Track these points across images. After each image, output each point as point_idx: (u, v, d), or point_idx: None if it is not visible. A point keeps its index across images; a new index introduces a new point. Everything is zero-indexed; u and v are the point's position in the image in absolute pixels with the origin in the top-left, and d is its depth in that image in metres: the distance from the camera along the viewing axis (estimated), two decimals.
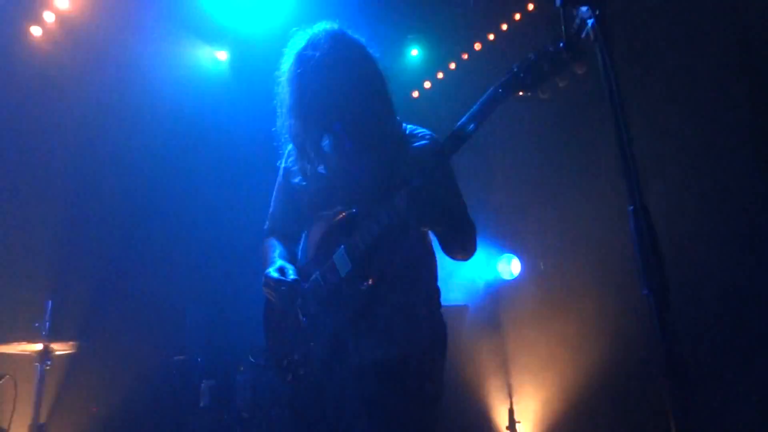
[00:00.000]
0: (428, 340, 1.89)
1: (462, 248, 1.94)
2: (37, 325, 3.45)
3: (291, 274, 1.95)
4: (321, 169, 2.01)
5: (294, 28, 2.06)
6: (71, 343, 3.54)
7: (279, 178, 2.20)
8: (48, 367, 3.46)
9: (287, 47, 2.04)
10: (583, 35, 1.31)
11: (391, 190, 1.78)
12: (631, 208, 1.16)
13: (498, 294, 5.05)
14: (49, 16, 4.31)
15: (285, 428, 3.28)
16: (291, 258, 2.09)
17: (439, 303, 2.00)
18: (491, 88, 1.65)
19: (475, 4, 4.75)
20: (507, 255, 5.07)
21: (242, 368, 3.67)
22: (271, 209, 2.22)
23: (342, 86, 1.91)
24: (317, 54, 1.93)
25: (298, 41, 2.02)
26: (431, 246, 2.02)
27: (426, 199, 1.70)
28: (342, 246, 1.86)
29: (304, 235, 2.11)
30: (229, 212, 4.38)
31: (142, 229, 4.46)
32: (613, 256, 3.79)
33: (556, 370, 4.45)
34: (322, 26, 2.01)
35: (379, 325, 1.83)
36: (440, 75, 5.28)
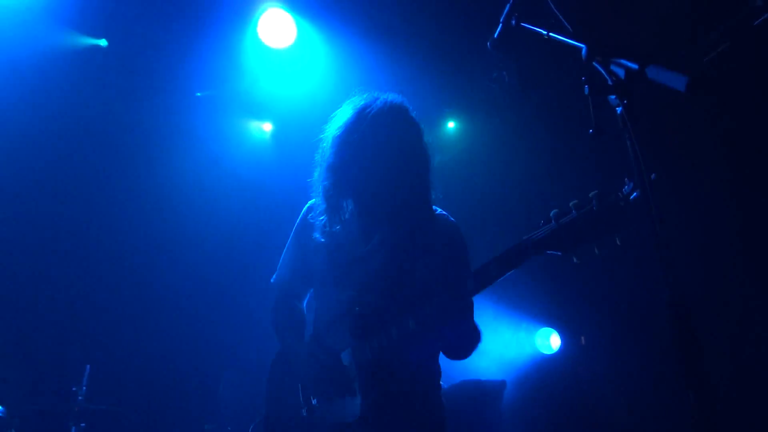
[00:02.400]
0: (435, 425, 1.88)
1: (457, 356, 1.93)
2: (74, 389, 3.51)
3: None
4: (339, 235, 1.96)
5: (358, 89, 2.02)
6: (106, 407, 3.58)
7: (294, 231, 2.14)
8: (82, 429, 3.48)
9: (347, 103, 1.99)
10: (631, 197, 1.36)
11: (407, 293, 1.79)
12: (668, 299, 1.13)
13: (537, 369, 4.87)
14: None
15: None
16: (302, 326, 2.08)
17: (439, 386, 1.97)
18: (523, 240, 1.63)
19: (510, 79, 4.89)
20: (545, 329, 4.94)
21: None
22: (281, 262, 2.16)
23: (386, 162, 1.86)
24: (371, 124, 1.88)
25: (356, 102, 1.97)
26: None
27: (432, 326, 1.71)
28: (349, 348, 1.85)
29: (311, 303, 2.08)
30: (267, 279, 4.44)
31: (181, 297, 4.55)
32: (657, 334, 3.64)
33: None
34: (387, 96, 1.96)
35: (385, 426, 1.82)
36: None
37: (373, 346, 1.80)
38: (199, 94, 4.87)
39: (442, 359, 1.98)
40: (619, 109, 1.30)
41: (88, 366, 3.58)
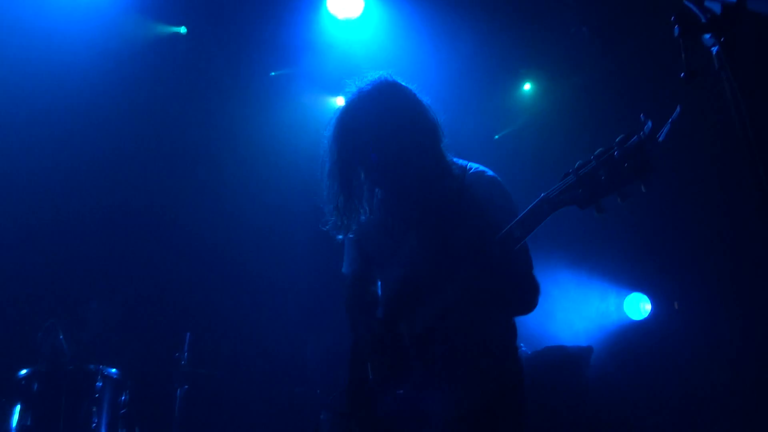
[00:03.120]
0: (500, 391, 1.85)
1: (516, 312, 1.89)
2: (177, 355, 3.80)
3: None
4: (374, 217, 1.96)
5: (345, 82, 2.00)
6: (205, 370, 3.86)
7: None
8: (185, 390, 3.79)
9: (334, 110, 1.99)
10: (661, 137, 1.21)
11: (446, 261, 1.75)
12: None
13: (626, 336, 4.69)
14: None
15: None
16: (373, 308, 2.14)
17: (515, 348, 1.94)
18: (540, 198, 1.53)
19: (590, 35, 4.60)
20: (636, 294, 4.73)
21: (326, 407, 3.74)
22: (344, 254, 2.22)
23: (382, 137, 1.82)
24: (355, 113, 1.88)
25: (342, 101, 1.98)
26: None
27: (482, 282, 1.65)
28: (402, 322, 1.87)
29: (380, 284, 2.12)
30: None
31: (271, 269, 4.77)
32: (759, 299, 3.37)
33: None
34: (367, 78, 1.93)
35: (444, 391, 1.83)
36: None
37: (423, 318, 1.81)
38: (273, 73, 4.98)
39: (521, 323, 1.96)
40: (714, 49, 1.19)
41: (188, 334, 3.86)
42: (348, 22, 4.66)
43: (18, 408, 3.10)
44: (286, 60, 4.91)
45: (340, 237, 2.02)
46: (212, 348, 4.20)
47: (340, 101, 5.52)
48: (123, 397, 3.44)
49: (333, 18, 4.63)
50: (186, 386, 3.80)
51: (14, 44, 4.00)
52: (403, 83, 1.94)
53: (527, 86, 5.21)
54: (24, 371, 3.19)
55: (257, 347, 4.58)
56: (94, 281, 4.22)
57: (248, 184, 4.80)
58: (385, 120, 1.83)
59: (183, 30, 4.75)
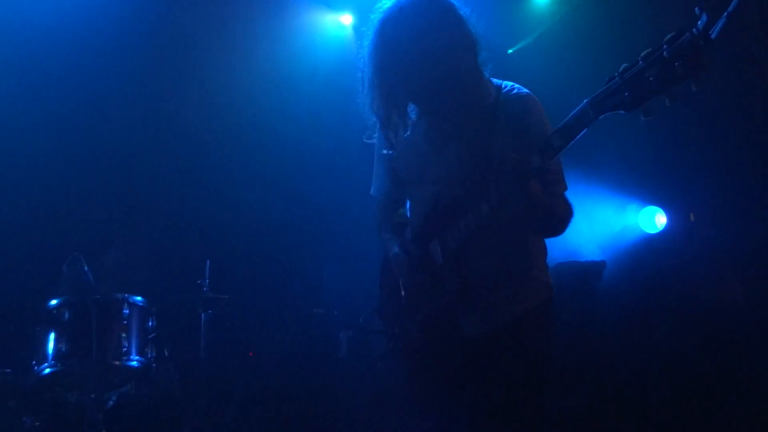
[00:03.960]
0: (532, 306, 1.90)
1: (554, 233, 1.88)
2: (199, 282, 3.92)
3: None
4: (407, 136, 1.97)
5: None
6: (227, 296, 4.00)
7: (377, 143, 2.19)
8: (209, 315, 3.95)
9: (372, 16, 1.95)
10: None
11: (481, 176, 1.75)
12: None
13: (639, 249, 4.70)
14: None
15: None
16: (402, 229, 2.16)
17: (545, 265, 1.98)
18: (583, 103, 1.48)
19: None
20: (650, 207, 4.69)
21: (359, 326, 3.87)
22: (374, 177, 2.25)
23: (420, 59, 1.80)
24: (395, 25, 1.85)
25: (381, 9, 1.93)
26: None
27: (520, 197, 1.64)
28: (435, 239, 1.90)
29: (408, 205, 2.16)
30: (362, 175, 4.52)
31: (284, 195, 4.82)
32: None
33: None
34: None
35: (478, 306, 1.88)
36: None
37: (455, 236, 1.84)
38: None
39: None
40: None
41: (208, 261, 3.96)
42: None
43: (52, 335, 3.25)
44: None
45: (385, 151, 2.04)
46: (233, 274, 4.31)
47: (347, 18, 5.28)
48: (150, 323, 3.58)
49: None
50: (210, 311, 3.95)
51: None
52: None
53: None
54: (54, 301, 3.32)
55: (276, 272, 4.71)
56: (114, 214, 4.31)
57: (262, 108, 4.73)
58: (425, 34, 1.81)
59: None
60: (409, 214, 2.16)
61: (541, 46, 4.92)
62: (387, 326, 2.13)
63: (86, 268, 3.44)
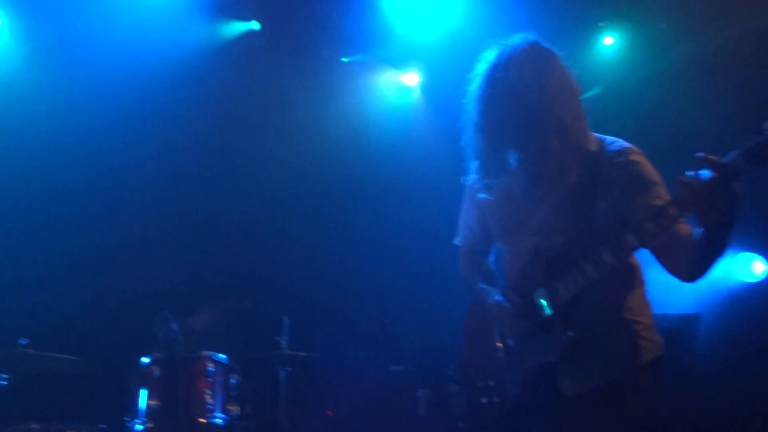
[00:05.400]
0: (642, 364, 1.82)
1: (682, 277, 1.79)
2: (277, 339, 3.99)
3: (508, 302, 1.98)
4: (509, 187, 1.98)
5: (488, 41, 2.01)
6: (305, 353, 4.03)
7: (467, 192, 2.20)
8: (288, 372, 3.98)
9: (479, 62, 1.99)
10: None
11: (591, 227, 1.75)
12: None
13: (737, 300, 4.36)
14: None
15: None
16: (491, 280, 2.13)
17: (652, 323, 1.90)
18: (735, 155, 1.44)
19: None
20: (747, 254, 4.37)
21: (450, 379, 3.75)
22: (460, 225, 2.26)
23: (528, 107, 1.81)
24: (505, 70, 1.87)
25: (489, 56, 1.97)
26: (638, 265, 1.92)
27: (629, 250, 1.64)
28: (542, 288, 1.85)
29: (498, 256, 2.13)
30: (439, 224, 4.53)
31: (359, 252, 4.88)
32: None
33: None
34: (514, 40, 1.94)
35: (583, 364, 1.82)
36: None
37: (568, 285, 1.79)
38: (345, 59, 5.02)
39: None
40: None
41: (286, 318, 4.03)
42: None
43: (144, 392, 3.38)
44: (356, 43, 4.94)
45: (483, 196, 2.06)
46: (310, 331, 4.36)
47: (413, 77, 5.46)
48: (233, 381, 3.65)
49: None
50: (289, 369, 3.99)
51: (97, 51, 4.31)
52: (549, 48, 1.93)
53: (609, 40, 4.87)
54: (146, 359, 3.47)
55: (352, 329, 4.72)
56: (200, 273, 4.53)
57: (335, 168, 4.90)
58: (536, 82, 1.83)
59: (256, 26, 4.89)
60: (496, 265, 2.13)
61: (610, 96, 4.84)
62: (477, 379, 2.06)
63: (174, 327, 3.60)
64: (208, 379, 3.47)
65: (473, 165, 2.09)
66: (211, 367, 3.52)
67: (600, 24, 4.81)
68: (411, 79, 5.42)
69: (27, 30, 4.42)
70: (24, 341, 3.34)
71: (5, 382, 3.33)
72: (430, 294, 4.64)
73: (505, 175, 1.95)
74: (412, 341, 4.68)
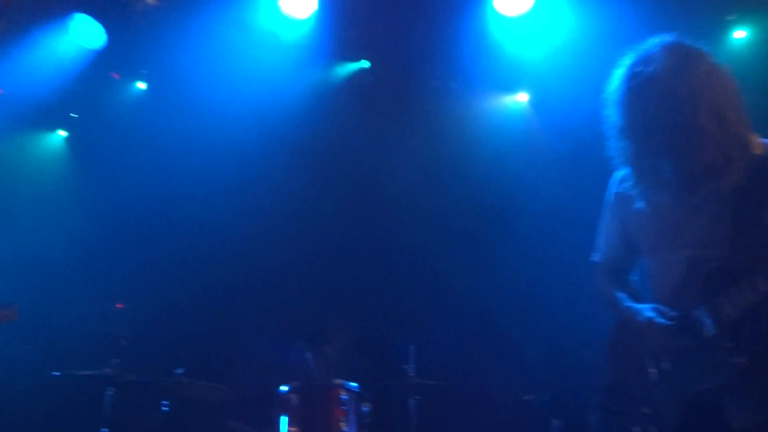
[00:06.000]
0: None
1: None
2: (405, 367, 4.01)
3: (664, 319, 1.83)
4: (660, 196, 1.84)
5: (628, 46, 1.90)
6: (433, 381, 4.00)
7: (610, 206, 2.07)
8: (417, 401, 3.97)
9: (618, 66, 1.88)
10: None
11: (759, 238, 1.60)
12: None
13: None
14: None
15: None
16: (636, 298, 1.98)
17: None
18: None
19: None
20: None
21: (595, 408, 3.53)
22: (599, 240, 2.12)
23: (678, 103, 1.68)
24: (649, 69, 1.75)
25: (629, 58, 1.85)
26: None
27: None
28: (703, 305, 1.70)
29: (646, 272, 1.99)
30: (568, 242, 4.36)
31: (486, 275, 4.78)
32: None
33: None
34: (655, 40, 1.82)
35: (757, 392, 1.63)
36: None
37: (735, 301, 1.63)
38: (454, 85, 5.07)
39: None
40: None
41: (412, 346, 4.05)
42: (518, 19, 4.56)
43: (284, 419, 3.56)
44: (463, 69, 4.97)
45: (639, 205, 1.90)
46: (438, 359, 4.34)
47: (522, 97, 5.37)
48: (365, 409, 3.72)
49: (501, 17, 4.57)
50: (418, 397, 3.98)
51: (217, 96, 4.72)
52: (694, 45, 1.81)
53: (741, 34, 4.45)
54: (285, 387, 3.65)
55: (480, 356, 4.62)
56: (332, 303, 4.73)
57: (458, 196, 4.92)
58: (683, 78, 1.71)
59: (366, 64, 5.11)
60: (643, 281, 2.00)
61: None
62: (627, 407, 1.92)
63: (308, 356, 3.77)
64: (343, 407, 3.57)
65: (620, 174, 1.97)
66: (344, 395, 3.62)
67: (729, 18, 4.42)
68: (521, 98, 5.33)
69: (163, 85, 4.99)
70: (180, 370, 3.67)
71: (167, 408, 3.67)
72: (561, 316, 4.44)
73: (658, 182, 1.81)
74: (544, 368, 4.47)
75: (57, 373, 3.69)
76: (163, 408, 3.68)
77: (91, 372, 3.70)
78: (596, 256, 2.14)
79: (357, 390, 3.74)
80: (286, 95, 4.75)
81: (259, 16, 4.55)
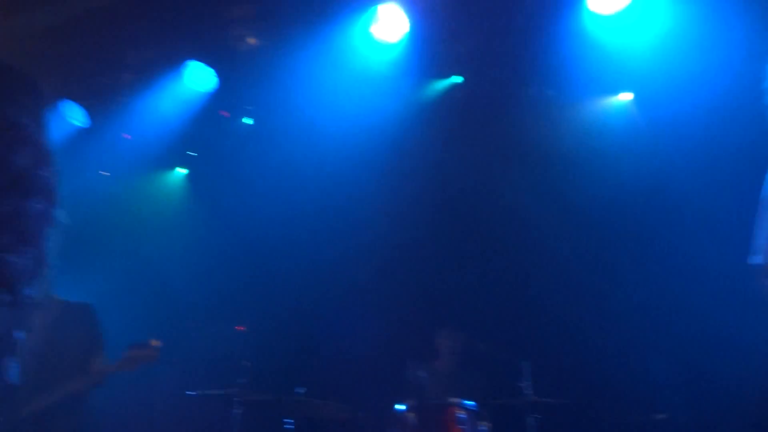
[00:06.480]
0: None
1: None
2: (521, 384, 3.88)
3: None
4: None
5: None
6: (553, 400, 3.84)
7: (766, 206, 1.92)
8: (536, 420, 3.82)
9: None
10: None
11: None
12: None
13: None
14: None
15: None
16: None
17: None
18: None
19: None
20: None
21: None
22: (759, 240, 1.96)
23: None
24: None
25: None
26: None
27: None
28: None
29: None
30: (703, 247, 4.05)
31: (608, 286, 4.58)
32: None
33: None
34: None
35: None
36: None
37: None
38: (550, 92, 4.93)
39: None
40: None
41: (526, 363, 3.92)
42: (615, 16, 4.36)
43: None
44: (561, 74, 4.82)
45: None
46: (559, 375, 4.16)
47: (625, 96, 5.09)
48: (483, 428, 3.64)
49: (597, 16, 4.39)
50: (537, 415, 3.83)
51: (317, 124, 4.90)
52: None
53: None
54: (401, 406, 3.67)
55: (604, 373, 4.35)
56: (440, 319, 4.71)
57: (574, 206, 4.75)
58: None
59: (458, 79, 5.10)
60: None
61: None
62: None
63: (423, 374, 3.76)
64: (461, 426, 3.52)
65: None
66: (461, 414, 3.57)
67: None
68: (624, 97, 5.07)
69: (268, 119, 5.28)
70: (301, 389, 3.81)
71: (292, 426, 3.81)
72: (698, 326, 4.08)
73: None
74: (677, 384, 4.12)
75: (192, 393, 3.97)
76: (286, 426, 3.83)
77: (219, 391, 3.94)
78: (758, 257, 1.97)
79: (474, 408, 3.67)
80: (382, 118, 4.86)
81: (353, 46, 4.70)
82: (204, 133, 5.49)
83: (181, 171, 6.03)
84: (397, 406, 3.70)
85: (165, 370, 4.66)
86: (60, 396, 3.25)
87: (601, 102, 5.03)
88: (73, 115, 5.20)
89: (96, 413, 3.45)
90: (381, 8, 4.53)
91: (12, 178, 1.70)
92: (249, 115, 5.44)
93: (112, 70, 5.04)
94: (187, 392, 3.97)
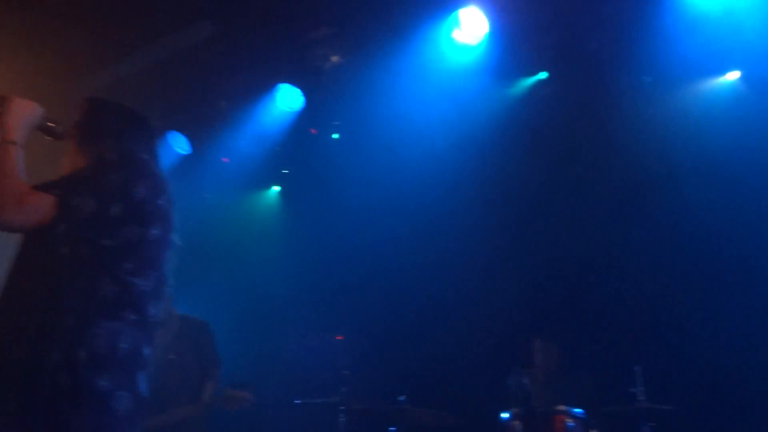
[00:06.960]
0: None
1: None
2: (633, 390, 3.67)
3: None
4: None
5: None
6: (669, 406, 3.59)
7: None
8: (651, 428, 3.58)
9: None
10: None
11: None
12: None
13: None
14: None
15: None
16: None
17: None
18: None
19: None
20: None
21: None
22: None
23: None
24: None
25: None
26: None
27: None
28: None
29: None
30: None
31: (736, 282, 4.26)
32: None
33: None
34: None
35: None
36: None
37: None
38: (648, 78, 4.65)
39: None
40: None
41: (638, 367, 3.70)
42: None
43: None
44: (656, 58, 4.53)
45: None
46: (669, 380, 3.89)
47: (732, 76, 4.72)
48: None
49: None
50: (652, 423, 3.61)
51: (403, 134, 4.96)
52: None
53: None
54: (506, 414, 3.60)
55: (720, 375, 4.00)
56: (541, 324, 4.58)
57: (675, 195, 4.48)
58: None
59: (543, 75, 4.96)
60: None
61: None
62: None
63: (525, 381, 3.66)
64: None
65: None
66: (570, 422, 3.44)
67: None
68: (731, 76, 4.67)
69: (355, 132, 5.39)
70: (402, 398, 3.85)
71: None
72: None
73: None
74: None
75: (298, 401, 4.14)
76: None
77: (324, 400, 4.07)
78: None
79: (583, 416, 3.52)
80: (471, 124, 4.82)
81: (438, 53, 4.71)
82: (294, 150, 5.72)
83: (276, 188, 6.32)
84: (502, 415, 3.63)
85: (272, 379, 4.91)
86: (176, 419, 3.50)
87: (704, 84, 4.67)
88: (177, 144, 5.63)
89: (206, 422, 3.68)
90: (462, 12, 4.51)
91: (135, 209, 1.88)
92: (337, 131, 5.61)
93: (211, 99, 5.41)
94: (295, 401, 4.14)
